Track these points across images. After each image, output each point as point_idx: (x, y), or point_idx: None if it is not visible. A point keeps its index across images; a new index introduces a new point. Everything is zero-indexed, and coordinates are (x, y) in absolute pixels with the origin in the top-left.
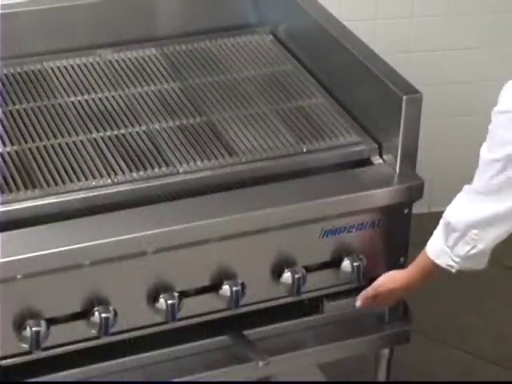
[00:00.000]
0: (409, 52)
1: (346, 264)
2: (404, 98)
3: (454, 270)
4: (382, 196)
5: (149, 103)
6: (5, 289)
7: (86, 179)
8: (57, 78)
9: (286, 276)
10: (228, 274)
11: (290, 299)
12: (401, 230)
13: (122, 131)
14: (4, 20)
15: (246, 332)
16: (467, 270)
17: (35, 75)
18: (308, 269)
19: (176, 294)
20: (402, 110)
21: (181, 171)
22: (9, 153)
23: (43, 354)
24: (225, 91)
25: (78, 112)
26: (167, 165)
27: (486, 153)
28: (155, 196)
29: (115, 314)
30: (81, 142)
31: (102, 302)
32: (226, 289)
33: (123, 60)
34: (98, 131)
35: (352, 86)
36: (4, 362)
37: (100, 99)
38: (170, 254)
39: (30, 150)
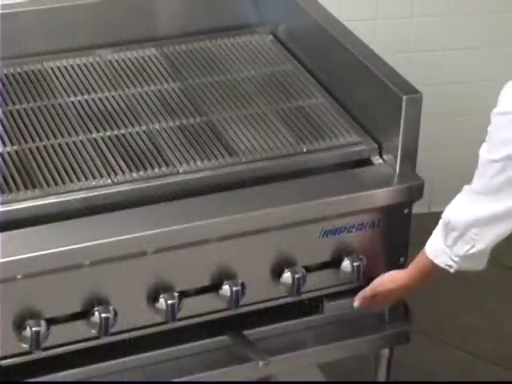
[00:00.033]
0: (409, 52)
1: (346, 264)
2: (404, 98)
3: (452, 270)
4: (382, 196)
5: (149, 103)
6: (5, 289)
7: (86, 179)
8: (57, 78)
9: (286, 276)
10: (228, 273)
11: (290, 299)
12: (401, 230)
13: (122, 131)
14: (4, 20)
15: (246, 332)
16: (466, 270)
17: (35, 75)
18: (308, 269)
19: (176, 294)
20: (402, 110)
21: (181, 171)
22: (9, 153)
23: (43, 354)
24: (225, 91)
25: (78, 112)
26: (167, 165)
27: (485, 153)
28: (155, 196)
29: (115, 314)
30: (81, 142)
31: (102, 302)
32: (225, 289)
33: (123, 60)
34: (98, 131)
35: (352, 85)
36: (4, 362)
37: (100, 99)
38: (170, 254)
39: (30, 149)
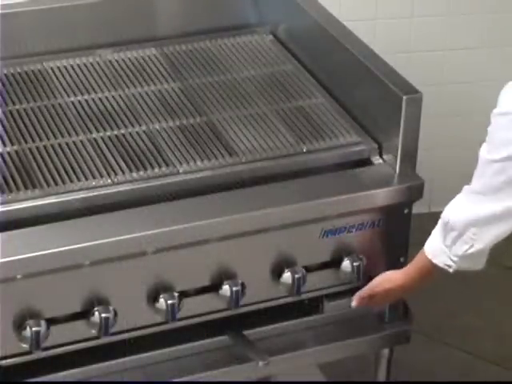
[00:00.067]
0: (409, 52)
1: (346, 264)
2: (404, 98)
3: (451, 270)
4: (382, 196)
5: (149, 103)
6: (5, 289)
7: (86, 179)
8: (57, 78)
9: (286, 276)
10: (228, 273)
11: (290, 299)
12: (401, 230)
13: (122, 131)
14: (4, 20)
15: (246, 332)
16: (465, 269)
17: (35, 75)
18: (308, 269)
19: (176, 294)
20: (402, 110)
21: (181, 171)
22: (9, 153)
23: (43, 354)
24: (225, 91)
25: (78, 112)
26: (167, 165)
27: (485, 154)
28: (155, 196)
29: (115, 314)
30: (81, 142)
31: (102, 302)
32: (226, 289)
33: (123, 60)
34: (98, 131)
35: (352, 85)
36: (4, 362)
37: (100, 99)
38: (170, 254)
39: (30, 149)
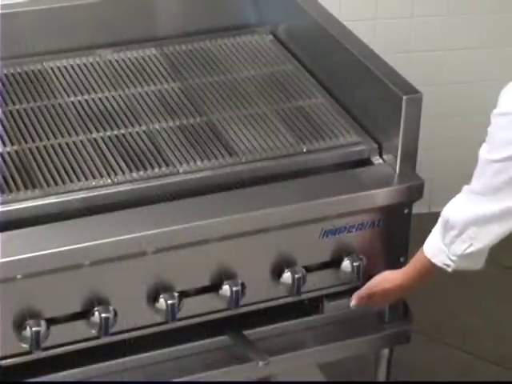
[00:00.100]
0: (409, 52)
1: (346, 264)
2: (404, 98)
3: (450, 270)
4: (382, 196)
5: (149, 103)
6: (5, 289)
7: (86, 179)
8: (57, 78)
9: (286, 276)
10: (228, 273)
11: (290, 299)
12: (401, 230)
13: (122, 131)
14: (4, 20)
15: (246, 332)
16: (464, 269)
17: (35, 75)
18: (308, 269)
19: (176, 294)
20: (402, 110)
21: (181, 171)
22: (9, 153)
23: (43, 354)
24: (225, 91)
25: (78, 112)
26: (167, 165)
27: (485, 154)
28: (155, 196)
29: (115, 314)
30: (81, 142)
31: (102, 302)
32: (226, 289)
33: (123, 60)
34: (98, 131)
35: (352, 85)
36: (4, 362)
37: (100, 99)
38: (170, 254)
39: (30, 149)
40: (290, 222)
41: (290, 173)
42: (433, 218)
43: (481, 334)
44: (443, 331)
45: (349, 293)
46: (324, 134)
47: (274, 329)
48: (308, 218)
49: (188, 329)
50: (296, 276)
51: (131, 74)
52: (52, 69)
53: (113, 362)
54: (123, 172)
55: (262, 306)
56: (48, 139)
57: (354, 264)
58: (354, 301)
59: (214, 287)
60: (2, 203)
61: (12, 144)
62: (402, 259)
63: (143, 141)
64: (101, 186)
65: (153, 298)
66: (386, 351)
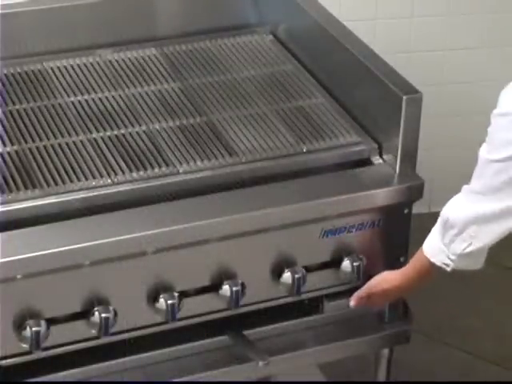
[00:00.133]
0: (409, 52)
1: (346, 264)
2: (404, 98)
3: (449, 269)
4: (382, 196)
5: (149, 103)
6: (5, 289)
7: (86, 179)
8: (57, 78)
9: (286, 276)
10: (228, 273)
11: (290, 299)
12: (401, 230)
13: (122, 131)
14: (4, 20)
15: (246, 332)
16: (463, 269)
17: (35, 75)
18: (308, 269)
19: (176, 294)
20: (402, 110)
21: (181, 171)
22: (9, 153)
23: (43, 354)
24: (225, 91)
25: (78, 112)
26: (167, 165)
27: (485, 154)
28: (155, 196)
29: (115, 314)
30: (81, 142)
31: (102, 302)
32: (226, 289)
33: (123, 60)
34: (98, 131)
35: (352, 85)
36: (4, 362)
37: (100, 99)
38: (170, 254)
39: (30, 149)
40: (290, 222)
41: (289, 173)
42: (433, 217)
43: (481, 334)
44: (443, 331)
45: (349, 293)
46: (324, 134)
47: (273, 329)
48: (308, 217)
49: (188, 329)
50: (296, 276)
51: (131, 74)
52: (52, 69)
53: (113, 362)
54: (123, 172)
55: (261, 306)
56: (48, 139)
57: (354, 264)
58: (353, 301)
59: (214, 287)
60: (2, 203)
61: (12, 144)
62: (401, 259)
63: (143, 141)
64: (101, 186)
65: (153, 298)
66: (385, 351)
